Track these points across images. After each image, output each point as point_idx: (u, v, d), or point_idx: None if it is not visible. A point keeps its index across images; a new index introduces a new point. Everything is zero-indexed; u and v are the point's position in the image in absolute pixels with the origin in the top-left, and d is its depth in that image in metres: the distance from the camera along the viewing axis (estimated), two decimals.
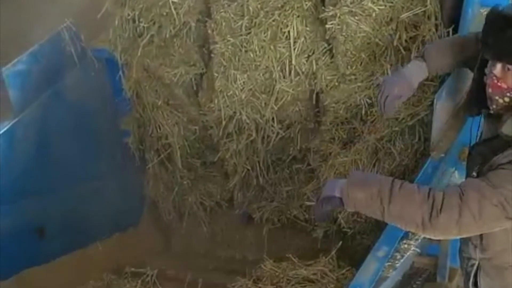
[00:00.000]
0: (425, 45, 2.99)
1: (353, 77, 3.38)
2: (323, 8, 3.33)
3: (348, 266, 3.34)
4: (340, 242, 3.56)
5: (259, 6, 3.46)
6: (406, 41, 3.20)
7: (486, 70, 2.10)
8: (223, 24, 3.53)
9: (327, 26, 3.30)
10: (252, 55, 3.51)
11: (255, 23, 3.46)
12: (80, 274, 4.00)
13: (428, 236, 2.23)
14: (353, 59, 3.33)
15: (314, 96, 3.59)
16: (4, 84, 3.67)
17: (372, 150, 3.45)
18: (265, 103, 3.60)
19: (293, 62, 3.46)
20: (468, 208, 1.95)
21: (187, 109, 3.98)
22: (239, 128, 3.76)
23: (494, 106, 2.11)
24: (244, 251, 4.34)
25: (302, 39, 3.43)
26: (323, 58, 3.46)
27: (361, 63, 3.34)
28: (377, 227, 3.31)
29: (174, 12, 3.67)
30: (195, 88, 3.93)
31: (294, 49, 3.44)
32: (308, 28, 3.44)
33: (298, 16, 3.42)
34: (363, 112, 3.42)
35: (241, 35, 3.50)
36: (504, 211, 1.95)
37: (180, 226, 4.45)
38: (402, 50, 3.21)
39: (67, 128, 4.03)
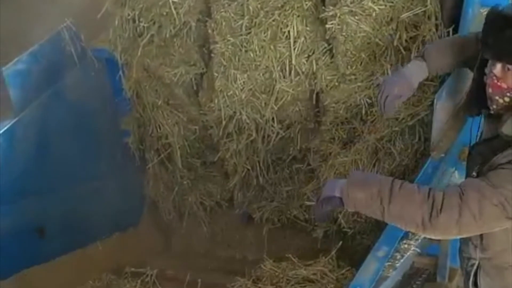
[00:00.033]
0: (425, 45, 2.99)
1: (353, 77, 3.38)
2: (323, 8, 3.33)
3: (348, 266, 3.34)
4: (340, 242, 3.56)
5: (259, 6, 3.46)
6: (406, 41, 3.20)
7: (486, 70, 2.10)
8: (223, 23, 3.53)
9: (327, 26, 3.30)
10: (252, 55, 3.51)
11: (255, 23, 3.46)
12: (80, 274, 4.00)
13: (428, 236, 2.22)
14: (353, 59, 3.33)
15: (314, 96, 3.59)
16: (4, 83, 3.67)
17: (372, 150, 3.45)
18: (265, 103, 3.60)
19: (293, 62, 3.46)
20: (468, 208, 1.95)
21: (187, 109, 3.98)
22: (239, 128, 3.76)
23: (494, 106, 2.10)
24: (244, 251, 4.34)
25: (302, 39, 3.43)
26: (323, 58, 3.46)
27: (361, 63, 3.34)
28: (377, 227, 3.31)
29: (174, 12, 3.66)
30: (195, 88, 3.93)
31: (294, 49, 3.44)
32: (308, 28, 3.44)
33: (298, 16, 3.42)
34: (363, 112, 3.42)
35: (241, 35, 3.50)
36: (504, 211, 1.95)
37: (180, 226, 4.45)
38: (402, 50, 3.21)
39: (67, 128, 4.02)
